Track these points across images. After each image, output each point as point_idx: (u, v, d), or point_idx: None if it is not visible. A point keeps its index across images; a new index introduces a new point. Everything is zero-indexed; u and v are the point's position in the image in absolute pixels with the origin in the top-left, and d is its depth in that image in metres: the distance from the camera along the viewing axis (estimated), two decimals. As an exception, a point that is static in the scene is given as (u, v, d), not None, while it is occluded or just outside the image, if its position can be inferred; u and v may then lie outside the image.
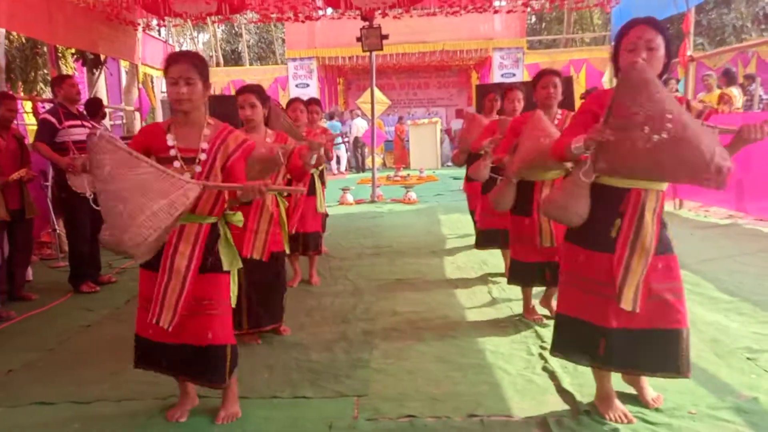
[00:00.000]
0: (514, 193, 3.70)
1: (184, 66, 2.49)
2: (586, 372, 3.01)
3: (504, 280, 4.89)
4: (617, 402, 2.64)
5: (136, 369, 2.78)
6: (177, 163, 2.51)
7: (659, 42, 2.36)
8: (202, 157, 2.54)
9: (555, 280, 3.68)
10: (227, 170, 2.59)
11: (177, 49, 15.75)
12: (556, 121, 3.60)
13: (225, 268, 2.65)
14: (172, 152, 2.52)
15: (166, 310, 2.54)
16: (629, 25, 2.41)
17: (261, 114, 3.66)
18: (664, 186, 2.49)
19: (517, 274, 3.92)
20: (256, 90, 3.71)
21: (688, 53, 7.93)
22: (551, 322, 3.82)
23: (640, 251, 2.43)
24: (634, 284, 2.43)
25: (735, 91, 8.54)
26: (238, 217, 2.74)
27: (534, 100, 3.72)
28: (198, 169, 2.53)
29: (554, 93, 3.59)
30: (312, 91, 17.32)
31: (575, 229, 2.55)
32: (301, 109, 5.04)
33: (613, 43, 2.49)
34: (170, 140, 2.53)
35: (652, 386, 2.78)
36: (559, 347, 2.68)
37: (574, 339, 2.60)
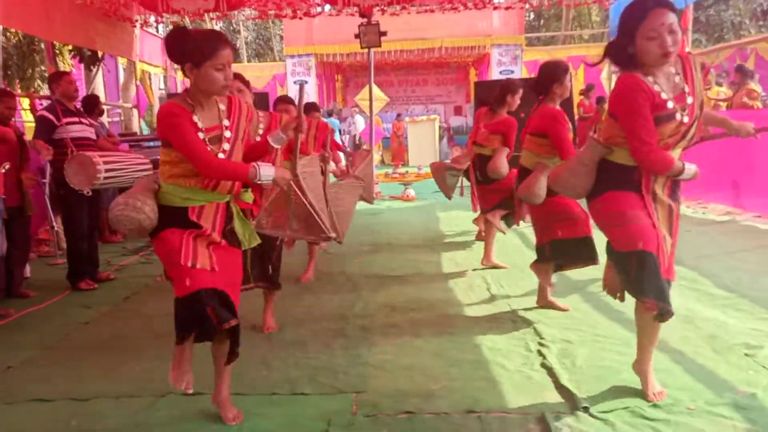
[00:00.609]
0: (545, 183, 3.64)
1: (229, 51, 2.44)
2: (584, 368, 3.03)
3: (502, 275, 4.90)
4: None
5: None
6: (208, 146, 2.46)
7: (677, 23, 2.37)
8: (227, 134, 2.53)
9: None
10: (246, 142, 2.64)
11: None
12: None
13: (243, 246, 2.68)
14: (201, 135, 2.45)
15: (201, 256, 2.52)
16: (643, 9, 2.37)
17: (250, 97, 3.68)
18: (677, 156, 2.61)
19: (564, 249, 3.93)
20: (239, 76, 3.72)
21: (687, 50, 7.92)
22: (548, 316, 3.85)
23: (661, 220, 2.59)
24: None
25: (758, 87, 8.53)
26: (249, 195, 2.76)
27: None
28: (226, 146, 2.52)
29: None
30: (310, 87, 17.30)
31: (599, 184, 2.65)
32: (288, 109, 5.00)
33: (618, 30, 2.44)
34: (198, 122, 2.45)
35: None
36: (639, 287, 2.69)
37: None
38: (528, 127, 4.03)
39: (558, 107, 3.90)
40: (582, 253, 3.81)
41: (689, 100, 2.45)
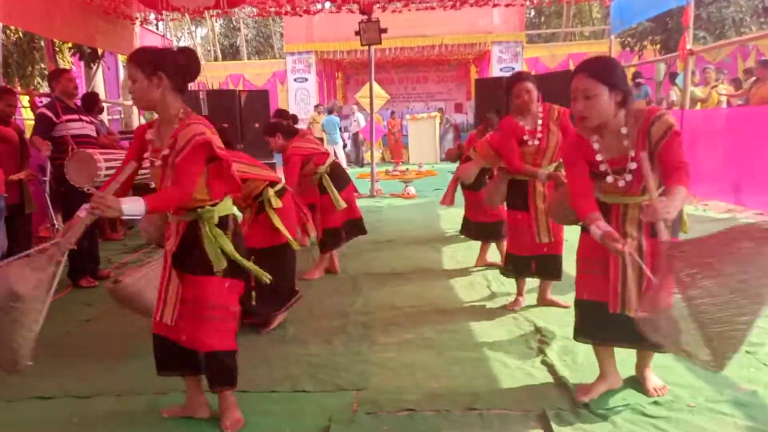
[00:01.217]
0: (505, 190, 3.99)
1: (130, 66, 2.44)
2: (585, 365, 3.02)
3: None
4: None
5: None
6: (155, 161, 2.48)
7: (600, 88, 2.36)
8: (165, 152, 2.43)
9: (541, 272, 3.98)
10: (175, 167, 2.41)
11: (174, 44, 15.72)
12: (539, 120, 3.81)
13: (215, 266, 2.50)
14: (146, 153, 2.55)
15: (167, 306, 2.52)
16: (574, 72, 2.45)
17: None
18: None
19: (511, 266, 4.09)
20: None
21: (688, 47, 7.90)
22: (548, 313, 3.85)
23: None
24: (633, 289, 2.47)
25: None
26: (224, 207, 2.57)
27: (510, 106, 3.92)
28: (158, 163, 2.46)
29: (529, 98, 3.76)
30: (310, 85, 17.31)
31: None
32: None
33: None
34: (149, 135, 2.54)
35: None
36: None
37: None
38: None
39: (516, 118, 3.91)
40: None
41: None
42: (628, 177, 2.40)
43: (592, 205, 2.47)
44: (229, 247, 2.52)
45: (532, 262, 3.96)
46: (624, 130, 2.41)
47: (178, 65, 2.47)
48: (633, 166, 2.38)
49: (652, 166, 2.34)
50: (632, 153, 2.39)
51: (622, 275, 2.49)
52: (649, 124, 2.37)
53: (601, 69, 2.41)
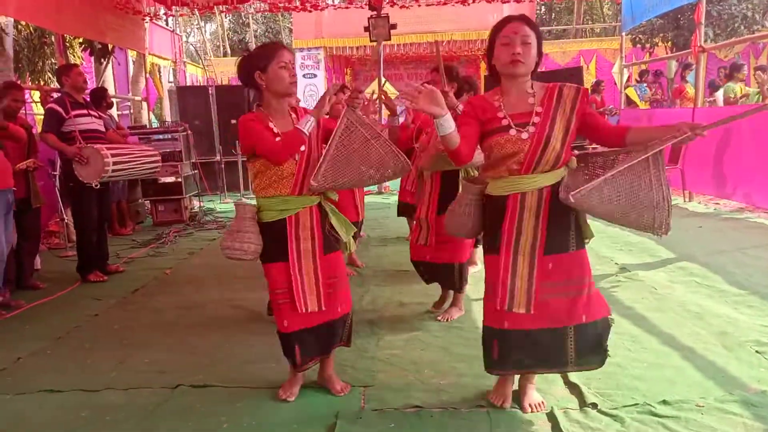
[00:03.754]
0: None
1: (289, 53, 2.69)
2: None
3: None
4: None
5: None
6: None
7: (533, 38, 2.41)
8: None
9: (429, 278, 4.00)
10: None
11: (184, 39, 15.71)
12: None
13: (343, 237, 2.82)
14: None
15: (309, 295, 2.69)
16: (504, 21, 2.47)
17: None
18: (549, 182, 2.45)
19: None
20: None
21: (700, 44, 7.84)
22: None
23: (522, 253, 2.46)
24: (523, 286, 2.45)
25: None
26: (333, 192, 2.83)
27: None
28: (303, 148, 2.70)
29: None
30: (319, 81, 17.29)
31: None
32: None
33: (488, 40, 2.57)
34: (274, 128, 2.67)
35: (655, 379, 2.77)
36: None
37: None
38: None
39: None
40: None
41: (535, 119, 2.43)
42: (531, 129, 2.41)
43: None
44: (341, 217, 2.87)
45: (420, 268, 4.00)
46: (530, 90, 2.48)
47: None
48: (536, 119, 2.41)
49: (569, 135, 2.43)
50: (538, 108, 2.43)
51: (512, 270, 2.48)
52: (557, 88, 2.46)
53: (535, 24, 2.52)
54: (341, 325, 2.85)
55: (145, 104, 12.27)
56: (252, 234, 2.68)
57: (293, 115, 2.76)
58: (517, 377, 2.72)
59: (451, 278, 3.87)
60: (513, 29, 2.41)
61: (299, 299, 2.67)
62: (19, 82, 7.48)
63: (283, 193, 2.66)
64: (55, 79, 11.11)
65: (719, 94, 8.79)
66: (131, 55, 13.52)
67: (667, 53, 14.78)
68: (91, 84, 8.88)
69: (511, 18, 2.47)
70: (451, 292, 4.02)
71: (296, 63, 17.29)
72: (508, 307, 2.46)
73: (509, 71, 2.42)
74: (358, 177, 2.67)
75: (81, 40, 10.37)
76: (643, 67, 13.31)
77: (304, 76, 17.10)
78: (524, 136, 2.40)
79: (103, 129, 5.42)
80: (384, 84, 10.88)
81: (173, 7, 9.48)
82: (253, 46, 25.27)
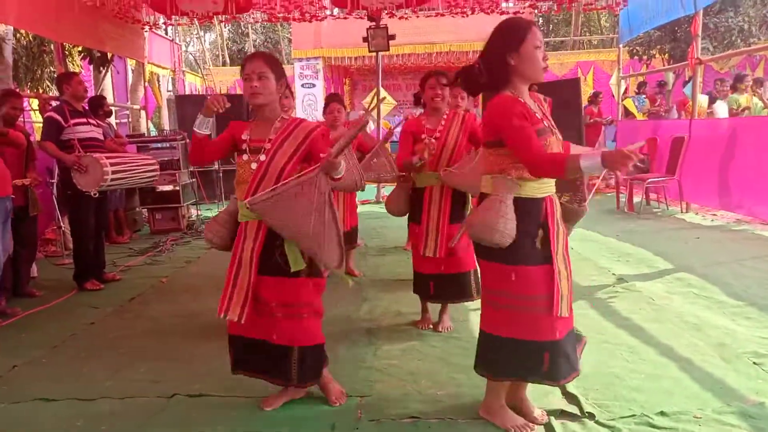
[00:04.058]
0: (407, 199, 3.87)
1: (258, 62, 2.65)
2: (591, 375, 3.00)
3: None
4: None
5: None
6: (245, 156, 2.69)
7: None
8: (267, 146, 2.66)
9: (439, 294, 3.80)
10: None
11: (184, 49, 15.75)
12: (442, 122, 3.71)
13: (292, 268, 2.63)
14: (244, 146, 2.70)
15: (235, 304, 2.64)
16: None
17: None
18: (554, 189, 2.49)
19: (415, 284, 3.96)
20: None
21: (696, 56, 7.89)
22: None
23: (563, 258, 2.45)
24: (567, 291, 2.43)
25: None
26: None
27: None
28: (262, 157, 2.65)
29: (442, 94, 3.67)
30: (318, 91, 17.32)
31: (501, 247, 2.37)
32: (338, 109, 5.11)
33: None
34: (245, 135, 2.72)
35: (653, 390, 2.76)
36: (487, 366, 2.57)
37: (512, 358, 2.48)
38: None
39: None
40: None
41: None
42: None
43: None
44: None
45: (430, 282, 3.81)
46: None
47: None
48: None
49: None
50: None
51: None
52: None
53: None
54: (282, 357, 2.69)
55: (143, 113, 12.28)
56: (220, 226, 2.77)
57: (276, 125, 2.69)
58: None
59: (468, 286, 3.75)
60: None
61: (222, 302, 2.66)
62: (17, 90, 7.48)
63: (239, 197, 2.68)
64: (53, 88, 11.14)
65: (717, 106, 8.83)
66: (130, 63, 13.55)
67: (664, 65, 14.86)
68: (90, 92, 8.88)
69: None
70: (432, 305, 3.98)
71: (295, 73, 17.41)
72: (560, 312, 2.39)
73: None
74: (288, 228, 2.53)
75: (80, 48, 10.39)
76: (641, 78, 13.37)
77: (302, 86, 17.15)
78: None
79: (102, 138, 5.42)
80: (383, 99, 10.91)
81: (173, 16, 9.49)
82: (252, 55, 25.39)
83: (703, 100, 9.08)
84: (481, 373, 2.61)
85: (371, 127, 16.03)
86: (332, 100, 5.19)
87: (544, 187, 2.42)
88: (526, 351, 2.42)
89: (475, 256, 2.65)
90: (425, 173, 3.72)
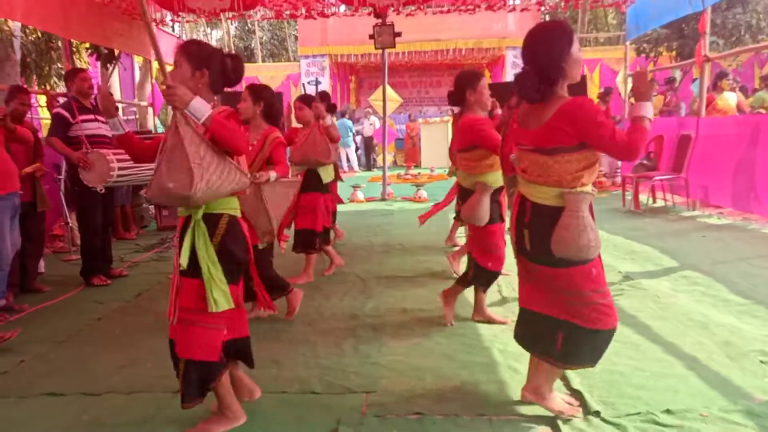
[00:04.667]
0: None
1: (177, 51, 2.55)
2: (596, 372, 2.99)
3: (514, 278, 4.87)
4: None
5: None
6: None
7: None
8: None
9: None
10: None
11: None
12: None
13: (203, 272, 2.42)
14: None
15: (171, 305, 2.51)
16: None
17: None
18: None
19: (487, 279, 3.91)
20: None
21: (704, 53, 7.85)
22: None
23: None
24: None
25: None
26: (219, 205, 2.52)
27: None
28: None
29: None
30: (324, 88, 17.31)
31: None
32: (299, 106, 5.10)
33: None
34: None
35: (659, 388, 2.76)
36: (571, 357, 2.62)
37: (602, 348, 2.59)
38: (453, 144, 3.97)
39: (478, 115, 3.78)
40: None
41: None
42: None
43: None
44: (204, 247, 2.45)
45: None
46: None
47: (223, 68, 2.58)
48: None
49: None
50: None
51: None
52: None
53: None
54: (177, 366, 2.53)
55: (150, 109, 12.32)
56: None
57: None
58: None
59: None
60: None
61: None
62: (25, 86, 7.52)
63: None
64: (61, 84, 11.19)
65: (727, 96, 8.79)
66: (137, 60, 13.58)
67: (671, 62, 14.79)
68: (96, 89, 8.91)
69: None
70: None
71: (302, 70, 17.42)
72: None
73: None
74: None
75: (87, 45, 10.43)
76: (650, 76, 13.32)
77: (309, 83, 17.16)
78: None
79: (110, 134, 5.43)
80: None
81: (180, 13, 9.51)
82: (258, 53, 25.40)
83: (731, 98, 8.99)
84: (570, 364, 2.62)
85: (376, 125, 16.05)
86: (298, 99, 5.24)
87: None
88: (610, 340, 2.55)
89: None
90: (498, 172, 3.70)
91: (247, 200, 3.40)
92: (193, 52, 2.53)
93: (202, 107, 2.32)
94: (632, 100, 3.40)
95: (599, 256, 2.50)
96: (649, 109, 2.35)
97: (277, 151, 3.74)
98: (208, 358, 2.50)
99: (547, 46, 2.40)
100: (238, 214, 2.60)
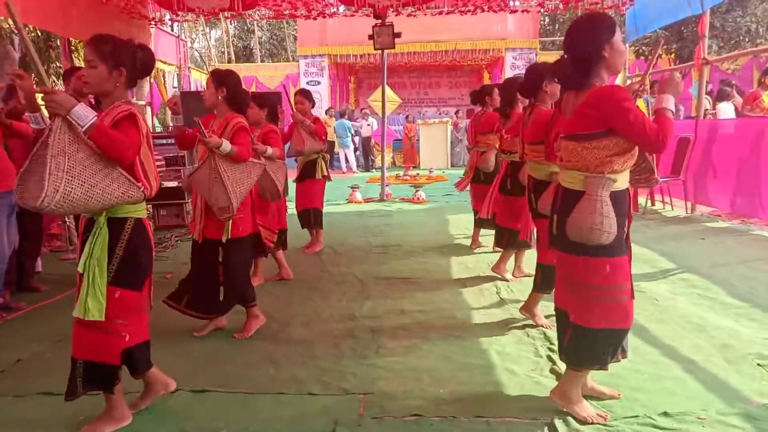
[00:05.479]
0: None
1: (87, 50, 2.48)
2: (593, 374, 2.99)
3: (507, 279, 4.87)
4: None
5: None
6: None
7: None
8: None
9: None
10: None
11: (189, 45, 15.77)
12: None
13: (86, 277, 2.43)
14: None
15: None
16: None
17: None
18: None
19: (550, 278, 3.50)
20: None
21: (703, 56, 7.86)
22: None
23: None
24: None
25: None
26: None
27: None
28: None
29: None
30: (323, 88, 17.35)
31: None
32: (299, 100, 5.83)
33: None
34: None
35: (656, 390, 2.76)
36: (579, 357, 2.61)
37: (607, 346, 2.58)
38: (525, 136, 3.94)
39: (550, 108, 3.80)
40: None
41: None
42: None
43: None
44: (99, 252, 2.44)
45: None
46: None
47: (137, 63, 2.53)
48: None
49: None
50: None
51: None
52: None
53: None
54: (73, 367, 2.58)
55: (149, 109, 12.31)
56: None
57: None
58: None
59: None
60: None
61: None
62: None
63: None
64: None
65: (722, 106, 8.78)
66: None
67: (670, 65, 14.82)
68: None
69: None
70: None
71: (300, 70, 17.42)
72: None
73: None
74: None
75: (86, 44, 10.42)
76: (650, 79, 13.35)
77: (308, 83, 17.16)
78: None
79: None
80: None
81: (179, 12, 9.51)
82: (257, 53, 25.38)
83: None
84: (571, 364, 2.64)
85: (374, 126, 16.06)
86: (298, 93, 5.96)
87: (627, 177, 2.51)
88: (619, 339, 2.56)
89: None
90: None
91: (200, 173, 3.46)
92: (108, 51, 2.45)
93: (85, 114, 2.26)
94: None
95: (625, 258, 2.52)
96: (671, 102, 2.38)
97: (238, 134, 3.62)
98: (108, 361, 2.55)
99: (583, 36, 2.45)
100: (144, 215, 2.59)
